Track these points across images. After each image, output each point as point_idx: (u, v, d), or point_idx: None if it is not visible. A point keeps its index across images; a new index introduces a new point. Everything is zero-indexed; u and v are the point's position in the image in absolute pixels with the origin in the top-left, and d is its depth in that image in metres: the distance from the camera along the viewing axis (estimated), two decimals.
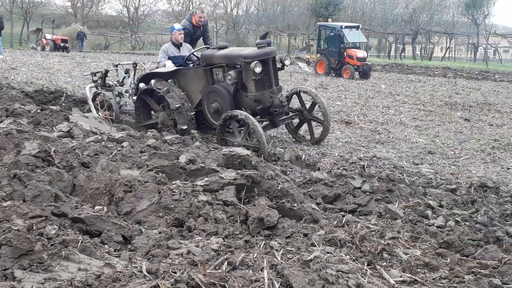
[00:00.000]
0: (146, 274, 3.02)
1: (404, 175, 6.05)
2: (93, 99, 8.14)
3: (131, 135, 6.27)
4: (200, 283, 2.92)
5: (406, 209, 4.50)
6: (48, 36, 27.63)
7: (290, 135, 7.95)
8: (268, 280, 2.98)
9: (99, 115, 7.62)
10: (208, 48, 7.91)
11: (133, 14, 41.70)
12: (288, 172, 5.42)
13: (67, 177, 4.38)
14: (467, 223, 4.22)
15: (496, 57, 37.60)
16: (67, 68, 16.20)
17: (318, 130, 7.82)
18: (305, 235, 3.67)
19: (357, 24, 22.46)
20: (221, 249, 3.43)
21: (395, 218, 4.07)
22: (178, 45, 7.94)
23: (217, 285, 2.96)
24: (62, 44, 26.78)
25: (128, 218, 3.80)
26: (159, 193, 3.92)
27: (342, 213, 4.26)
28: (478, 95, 15.42)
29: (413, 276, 3.15)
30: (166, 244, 3.45)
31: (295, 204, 4.08)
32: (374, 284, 3.01)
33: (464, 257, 3.41)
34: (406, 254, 3.33)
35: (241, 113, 6.42)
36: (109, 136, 6.30)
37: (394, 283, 3.05)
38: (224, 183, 4.31)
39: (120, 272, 3.03)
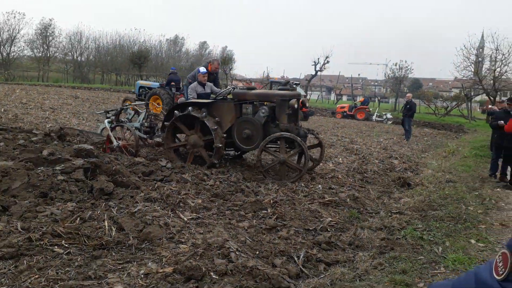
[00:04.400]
0: (21, 230, 4.03)
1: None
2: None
3: (6, 137, 7.33)
4: (61, 233, 4.10)
5: (193, 177, 6.62)
6: None
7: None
8: (108, 226, 4.33)
9: (119, 143, 8.50)
10: (231, 89, 9.10)
11: (5, 57, 58.47)
12: (119, 158, 7.14)
13: None
14: (225, 182, 6.55)
15: None
16: None
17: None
18: (132, 196, 5.35)
19: (298, 82, 27.06)
20: (75, 210, 4.67)
21: (186, 182, 6.16)
22: (203, 84, 9.17)
23: (73, 233, 4.15)
24: None
25: (5, 194, 4.95)
26: (28, 176, 5.20)
27: (155, 181, 6.13)
28: None
29: (197, 215, 5.11)
30: (35, 209, 4.56)
31: (125, 178, 5.78)
32: (176, 222, 4.75)
33: (225, 201, 5.57)
34: (193, 202, 5.32)
35: (294, 136, 7.53)
36: None
37: (187, 219, 4.90)
38: (76, 167, 5.76)
39: (0, 230, 3.97)
